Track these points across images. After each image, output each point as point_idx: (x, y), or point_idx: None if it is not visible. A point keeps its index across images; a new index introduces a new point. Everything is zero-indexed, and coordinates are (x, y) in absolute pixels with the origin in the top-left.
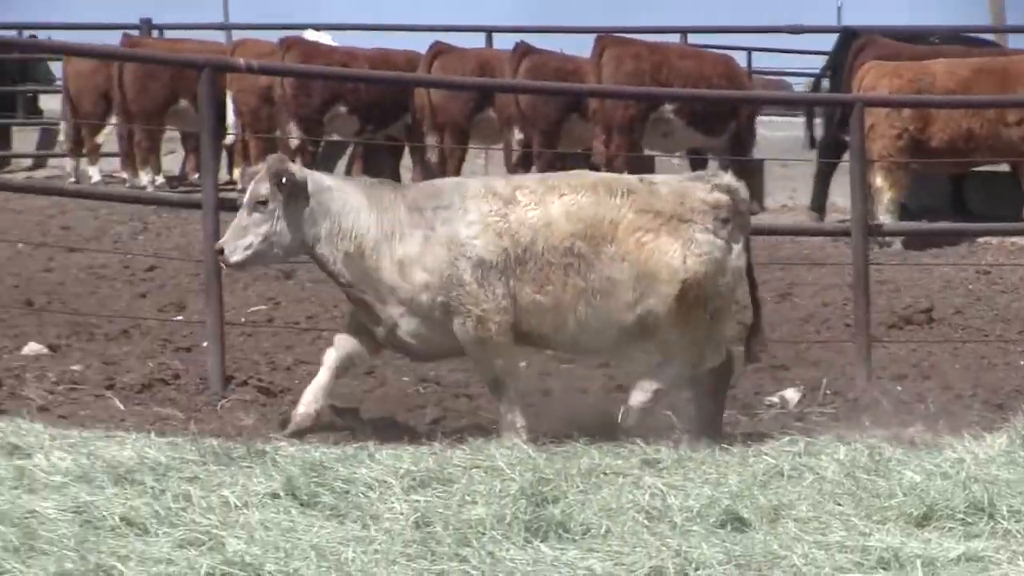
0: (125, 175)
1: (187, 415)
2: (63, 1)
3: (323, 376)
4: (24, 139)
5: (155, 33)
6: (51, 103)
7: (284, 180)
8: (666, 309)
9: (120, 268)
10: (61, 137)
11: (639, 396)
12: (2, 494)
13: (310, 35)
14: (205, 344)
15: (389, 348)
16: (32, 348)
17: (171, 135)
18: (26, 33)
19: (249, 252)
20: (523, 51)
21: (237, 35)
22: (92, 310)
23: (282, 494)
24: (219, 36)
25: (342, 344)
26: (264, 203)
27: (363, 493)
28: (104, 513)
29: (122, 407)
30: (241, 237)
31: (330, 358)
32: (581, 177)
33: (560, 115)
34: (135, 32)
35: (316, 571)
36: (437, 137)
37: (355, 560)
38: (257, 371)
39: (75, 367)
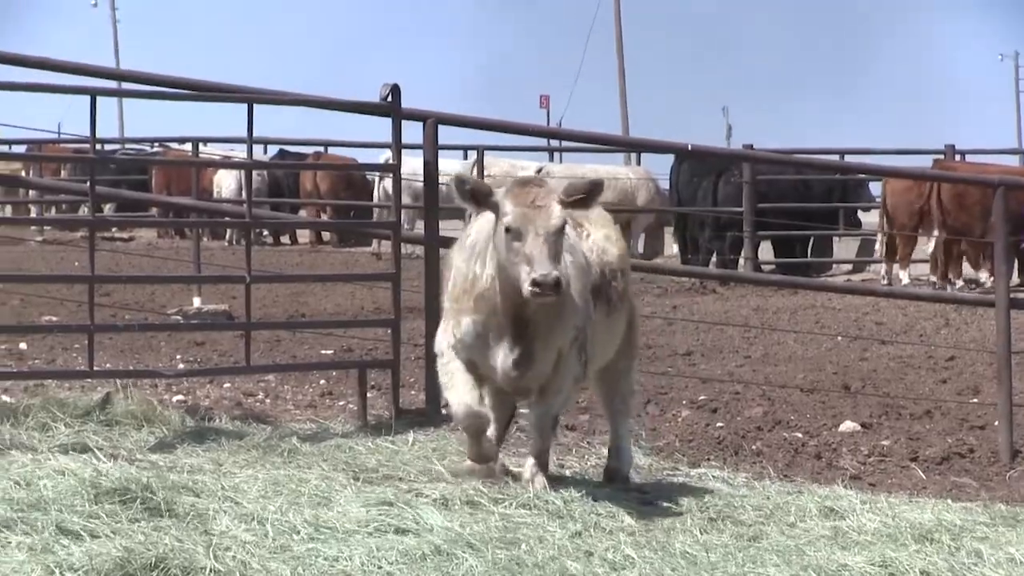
0: (933, 278)
1: (980, 484)
2: (875, 131)
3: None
4: (844, 248)
5: (957, 157)
6: (868, 217)
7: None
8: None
9: (924, 358)
10: (877, 246)
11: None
12: (820, 550)
13: None
14: (996, 423)
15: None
16: (847, 426)
17: None
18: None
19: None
20: None
21: None
22: (900, 393)
23: None
24: (1014, 160)
25: None
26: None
27: None
28: (905, 567)
29: (923, 476)
30: (559, 262)
31: None
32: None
33: None
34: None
35: None
36: None
37: None
38: None
39: (884, 442)
